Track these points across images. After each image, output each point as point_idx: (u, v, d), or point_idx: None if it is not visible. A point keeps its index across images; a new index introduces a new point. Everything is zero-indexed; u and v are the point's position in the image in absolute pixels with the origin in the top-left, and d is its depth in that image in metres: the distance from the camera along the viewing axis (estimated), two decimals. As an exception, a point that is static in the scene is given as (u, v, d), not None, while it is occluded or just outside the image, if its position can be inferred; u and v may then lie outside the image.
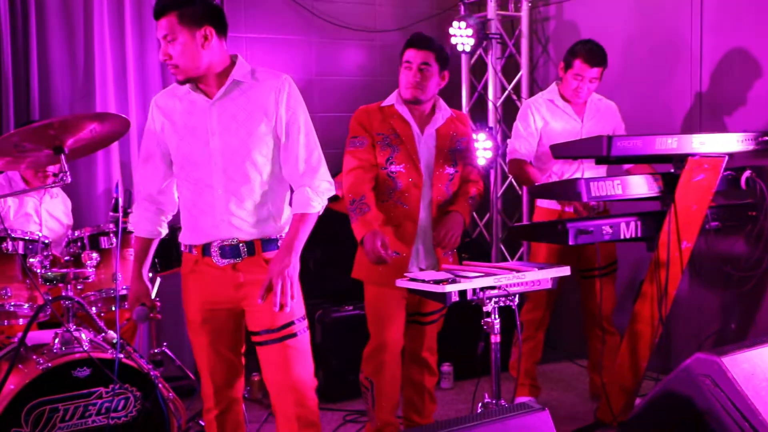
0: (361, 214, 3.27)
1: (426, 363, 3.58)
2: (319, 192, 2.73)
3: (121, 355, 3.09)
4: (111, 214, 3.44)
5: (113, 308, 3.40)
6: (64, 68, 4.59)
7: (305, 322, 2.80)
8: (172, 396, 3.21)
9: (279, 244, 2.74)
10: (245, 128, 2.67)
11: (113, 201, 3.44)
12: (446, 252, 3.45)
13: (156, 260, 3.68)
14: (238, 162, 2.68)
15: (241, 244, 2.72)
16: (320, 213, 2.76)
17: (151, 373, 3.17)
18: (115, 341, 3.22)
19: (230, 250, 2.71)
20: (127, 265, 3.40)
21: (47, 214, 4.10)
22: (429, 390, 3.61)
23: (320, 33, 5.50)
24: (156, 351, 4.09)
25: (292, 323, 2.74)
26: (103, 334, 3.33)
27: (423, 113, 3.44)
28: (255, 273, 2.72)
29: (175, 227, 3.76)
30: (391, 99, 3.44)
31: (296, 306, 2.71)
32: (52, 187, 3.45)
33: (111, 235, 3.38)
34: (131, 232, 3.44)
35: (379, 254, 3.17)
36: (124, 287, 3.36)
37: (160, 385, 3.17)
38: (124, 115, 2.91)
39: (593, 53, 4.00)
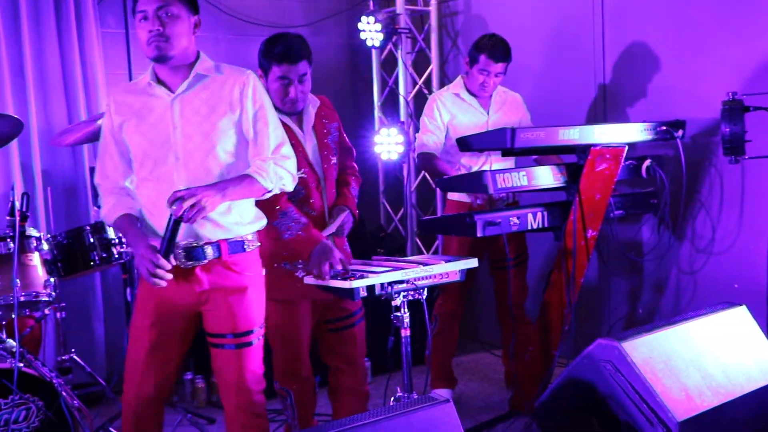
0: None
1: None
2: (278, 175, 2.72)
3: (21, 364, 2.99)
4: (8, 218, 3.33)
5: (12, 316, 3.27)
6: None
7: (263, 330, 2.83)
8: (77, 404, 3.12)
9: (245, 248, 2.74)
10: (208, 122, 2.63)
11: (10, 205, 3.33)
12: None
13: (59, 264, 3.58)
14: (201, 157, 2.63)
15: (205, 246, 2.66)
16: (266, 194, 2.73)
17: (54, 381, 3.08)
18: (14, 350, 3.12)
19: (194, 252, 2.65)
20: (27, 271, 3.29)
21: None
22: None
23: (228, 29, 5.42)
24: (64, 358, 3.97)
25: (251, 331, 2.75)
26: (2, 344, 3.22)
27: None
28: (219, 277, 2.69)
29: (78, 229, 3.68)
30: None
31: (258, 313, 2.78)
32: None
33: (8, 240, 3.25)
34: (29, 237, 3.34)
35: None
36: (23, 294, 3.24)
37: (64, 393, 3.08)
38: (17, 116, 2.83)
39: (497, 48, 4.04)
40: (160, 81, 2.67)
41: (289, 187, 2.81)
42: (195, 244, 2.64)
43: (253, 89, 2.71)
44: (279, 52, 3.06)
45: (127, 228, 2.69)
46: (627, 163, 3.82)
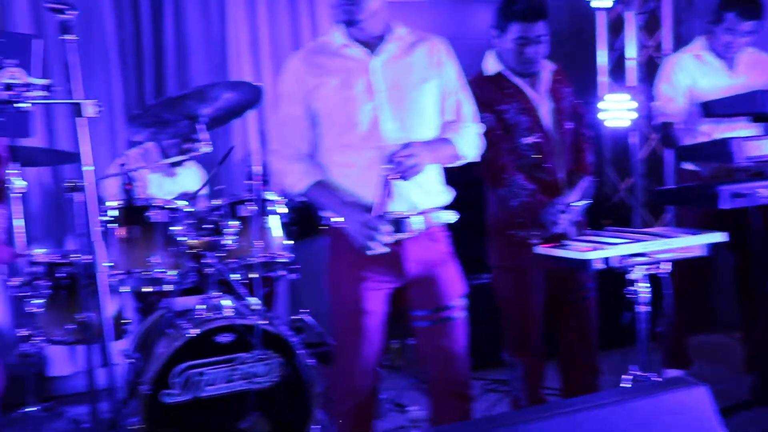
0: None
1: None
2: (474, 142, 2.69)
3: (263, 322, 3.14)
4: (246, 182, 3.49)
5: (252, 275, 3.44)
6: (200, 41, 4.68)
7: (465, 302, 2.75)
8: (312, 363, 3.24)
9: (445, 217, 2.68)
10: (412, 86, 2.59)
11: (248, 170, 3.49)
12: None
13: (294, 228, 3.71)
14: (407, 121, 2.57)
15: (410, 216, 2.59)
16: (458, 161, 2.68)
17: (292, 339, 3.21)
18: (256, 308, 3.28)
19: (402, 223, 2.56)
20: (266, 233, 3.44)
21: (180, 186, 4.22)
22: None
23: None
24: (296, 318, 4.15)
25: (454, 306, 2.70)
26: (245, 300, 3.39)
27: None
28: (426, 249, 2.64)
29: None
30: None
31: (462, 285, 2.70)
32: (191, 157, 3.51)
33: (249, 203, 3.40)
34: (268, 200, 3.49)
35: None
36: (263, 255, 3.39)
37: (301, 352, 3.20)
38: (258, 83, 2.92)
39: (748, 5, 3.70)
40: (356, 41, 2.58)
41: (475, 156, 2.72)
42: (402, 215, 2.57)
43: (450, 55, 2.67)
44: (519, 11, 2.97)
45: (328, 195, 2.60)
46: None
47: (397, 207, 2.54)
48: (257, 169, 3.41)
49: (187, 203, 3.39)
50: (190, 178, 4.27)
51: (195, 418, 3.08)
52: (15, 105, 2.01)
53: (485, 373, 4.13)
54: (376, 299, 2.63)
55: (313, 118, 2.62)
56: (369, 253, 2.46)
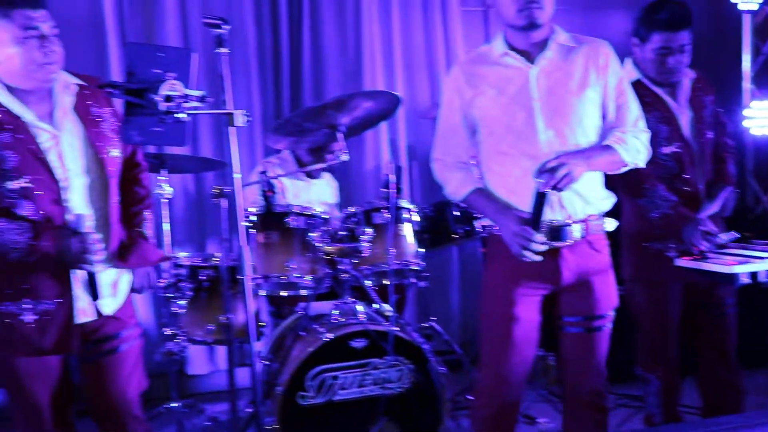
0: None
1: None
2: (637, 148, 2.60)
3: (396, 328, 3.18)
4: (382, 190, 3.54)
5: (384, 282, 3.49)
6: (335, 52, 4.79)
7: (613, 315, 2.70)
8: (443, 371, 3.25)
9: (604, 225, 2.62)
10: (574, 94, 2.55)
11: (385, 178, 3.54)
12: None
13: (425, 236, 3.74)
14: (567, 130, 2.54)
15: (573, 224, 2.55)
16: (622, 168, 2.61)
17: (423, 346, 3.23)
18: (388, 314, 3.33)
19: (561, 232, 2.54)
20: (400, 241, 3.48)
21: (315, 195, 4.32)
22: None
23: None
24: (425, 325, 4.18)
25: (606, 315, 2.66)
26: (378, 307, 3.44)
27: None
28: (584, 257, 2.60)
29: (442, 202, 3.83)
30: None
31: (615, 296, 2.66)
32: (329, 165, 3.59)
33: (383, 211, 3.46)
34: (402, 208, 3.52)
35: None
36: (396, 262, 3.43)
37: (432, 359, 3.22)
38: (395, 93, 2.97)
39: None
40: (514, 50, 2.57)
41: (642, 162, 2.64)
42: (561, 223, 2.54)
43: (613, 60, 2.60)
44: (663, 20, 2.89)
45: (485, 202, 2.62)
46: None
47: (556, 215, 2.53)
48: (392, 177, 3.45)
49: (323, 210, 3.47)
50: (323, 186, 4.36)
51: (327, 420, 3.16)
52: (174, 115, 2.12)
53: (617, 387, 4.01)
54: (528, 307, 2.62)
55: (473, 127, 2.65)
56: (524, 259, 2.46)
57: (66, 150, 2.42)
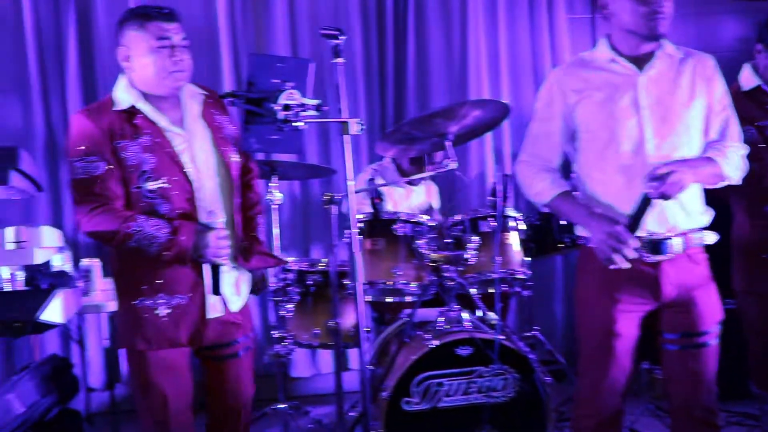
0: None
1: None
2: (737, 164, 2.55)
3: (502, 337, 3.17)
4: (489, 198, 3.54)
5: (489, 290, 3.49)
6: (440, 61, 4.82)
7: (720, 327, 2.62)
8: (548, 381, 3.22)
9: (704, 238, 2.56)
10: (682, 105, 2.51)
11: (491, 186, 3.54)
12: None
13: (531, 245, 3.72)
14: (676, 139, 2.50)
15: (673, 237, 2.51)
16: (720, 182, 2.55)
17: (529, 356, 3.21)
18: (494, 323, 3.32)
19: (661, 245, 2.49)
20: (506, 249, 3.46)
21: (416, 201, 4.36)
22: None
23: (694, 4, 5.12)
24: (528, 335, 4.15)
25: (710, 331, 2.58)
26: (483, 315, 3.44)
27: None
28: (686, 272, 2.53)
29: (549, 212, 3.79)
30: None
31: (718, 310, 2.58)
32: (436, 173, 3.61)
33: (489, 219, 3.45)
34: (509, 217, 3.51)
35: None
36: (502, 271, 3.42)
37: (538, 369, 3.20)
38: (504, 101, 2.97)
39: None
40: (622, 55, 2.54)
41: (738, 179, 2.57)
42: (662, 237, 2.49)
43: (718, 74, 2.56)
44: None
45: (573, 206, 2.59)
46: None
47: (656, 228, 2.48)
48: (499, 186, 3.45)
49: (430, 218, 3.50)
50: (425, 193, 4.39)
51: (431, 427, 3.17)
52: (292, 124, 2.19)
53: (731, 405, 3.89)
54: (628, 322, 2.57)
55: (572, 133, 2.62)
56: (612, 267, 2.41)
57: (197, 153, 2.56)
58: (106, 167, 2.43)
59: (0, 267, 2.50)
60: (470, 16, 4.75)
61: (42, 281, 2.79)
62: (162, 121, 2.52)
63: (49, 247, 2.09)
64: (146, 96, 2.52)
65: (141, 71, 2.49)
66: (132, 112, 2.49)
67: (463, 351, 3.19)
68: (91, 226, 2.44)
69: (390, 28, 4.71)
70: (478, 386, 3.20)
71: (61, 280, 2.94)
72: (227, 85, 4.50)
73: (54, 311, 2.01)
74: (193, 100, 2.61)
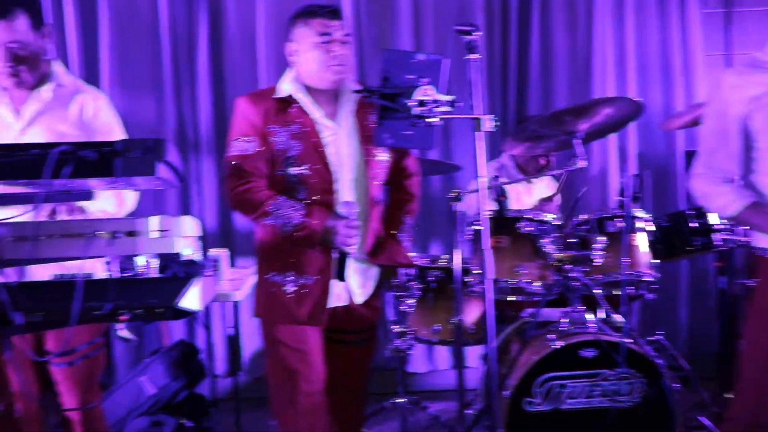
0: None
1: None
2: None
3: (628, 340, 3.10)
4: (617, 198, 3.45)
5: (615, 292, 3.41)
6: (564, 57, 4.74)
7: None
8: (677, 387, 3.13)
9: None
10: None
11: (619, 186, 3.45)
12: None
13: (658, 246, 3.61)
14: None
15: None
16: None
17: (657, 361, 3.13)
18: (620, 325, 3.25)
19: None
20: (633, 251, 3.37)
21: (536, 197, 4.29)
22: None
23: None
24: (652, 339, 4.02)
25: None
26: (608, 317, 3.36)
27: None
28: None
29: (679, 213, 3.68)
30: None
31: None
32: (565, 172, 3.55)
33: (617, 219, 3.36)
34: (637, 218, 3.41)
35: None
36: (628, 272, 3.33)
37: (666, 374, 3.11)
38: (638, 99, 2.89)
39: None
40: None
41: None
42: None
43: None
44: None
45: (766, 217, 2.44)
46: None
47: None
48: (628, 186, 3.36)
49: (555, 216, 3.44)
50: (544, 190, 4.33)
51: (552, 428, 3.13)
52: (426, 120, 2.20)
53: None
54: None
55: (749, 140, 2.47)
56: None
57: (342, 146, 2.67)
58: (258, 148, 2.60)
59: (140, 255, 2.62)
60: (597, 13, 4.65)
61: (175, 269, 2.90)
62: (315, 112, 2.65)
63: (188, 236, 2.16)
64: (307, 89, 2.66)
65: (305, 65, 2.63)
66: (289, 101, 2.65)
67: (588, 353, 3.14)
68: (237, 200, 2.64)
69: (514, 24, 4.67)
70: (603, 390, 3.13)
71: (192, 268, 3.05)
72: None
73: (192, 299, 2.08)
74: (348, 96, 2.72)
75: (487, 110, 4.59)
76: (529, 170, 4.24)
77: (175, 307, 2.08)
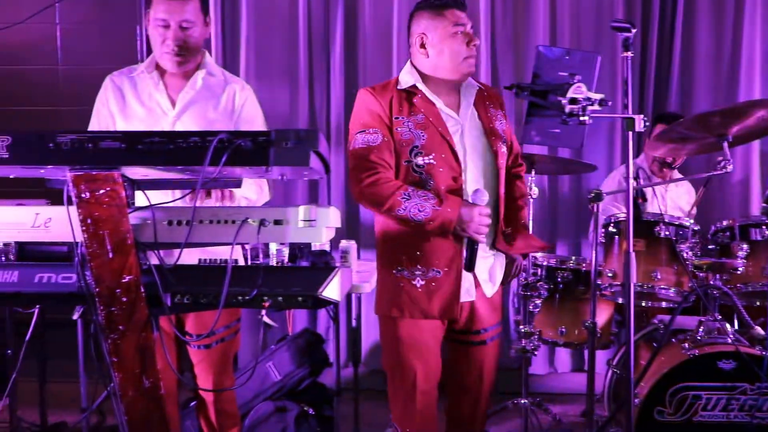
0: None
1: None
2: None
3: (772, 353, 2.96)
4: (763, 205, 3.31)
5: (758, 303, 3.27)
6: (708, 56, 4.57)
7: None
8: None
9: None
10: None
11: (765, 193, 3.31)
12: None
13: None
14: None
15: None
16: None
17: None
18: (762, 338, 3.11)
19: None
20: (779, 260, 3.22)
21: (671, 202, 4.16)
22: None
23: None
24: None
25: None
26: (747, 328, 3.22)
27: None
28: None
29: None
30: None
31: None
32: (711, 175, 3.42)
33: (764, 227, 3.21)
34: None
35: None
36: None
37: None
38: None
39: None
40: None
41: None
42: None
43: None
44: None
45: None
46: None
47: None
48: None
49: (693, 221, 3.32)
50: (681, 194, 4.20)
51: (683, 440, 3.03)
52: (579, 118, 2.16)
53: None
54: None
55: None
56: None
57: (467, 137, 2.64)
58: (383, 139, 2.58)
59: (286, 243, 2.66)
60: (746, 13, 4.47)
61: (304, 259, 2.95)
62: (439, 103, 2.64)
63: (332, 226, 2.19)
64: (426, 80, 2.65)
65: (436, 56, 2.62)
66: (412, 92, 2.64)
67: (726, 365, 3.01)
68: (365, 192, 2.58)
69: (655, 23, 4.52)
70: (741, 404, 3.00)
71: (322, 258, 3.09)
72: (481, 72, 4.53)
73: (333, 289, 2.11)
74: (470, 88, 2.71)
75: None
76: (654, 170, 4.13)
77: (317, 297, 2.12)
